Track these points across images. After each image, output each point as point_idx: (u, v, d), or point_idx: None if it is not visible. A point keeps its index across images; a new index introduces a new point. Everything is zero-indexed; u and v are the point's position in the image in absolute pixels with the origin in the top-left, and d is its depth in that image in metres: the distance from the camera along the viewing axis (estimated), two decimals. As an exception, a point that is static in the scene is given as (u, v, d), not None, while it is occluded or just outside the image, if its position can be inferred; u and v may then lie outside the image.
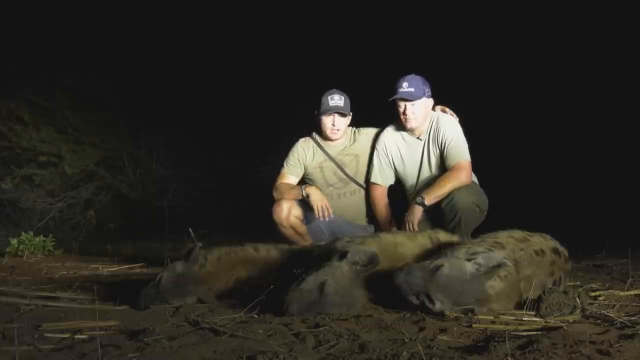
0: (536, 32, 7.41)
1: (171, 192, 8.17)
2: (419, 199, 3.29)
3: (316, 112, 3.67)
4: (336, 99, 3.61)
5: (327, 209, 3.48)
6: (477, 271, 2.06)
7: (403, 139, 3.60)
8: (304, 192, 3.52)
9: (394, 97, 3.38)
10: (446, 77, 5.37)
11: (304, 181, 3.75)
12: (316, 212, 3.46)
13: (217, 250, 2.61)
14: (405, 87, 3.36)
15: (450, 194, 3.27)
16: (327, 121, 3.63)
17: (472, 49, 7.66)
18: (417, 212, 3.30)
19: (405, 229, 3.31)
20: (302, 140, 3.82)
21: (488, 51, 7.61)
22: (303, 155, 3.76)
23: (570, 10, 7.10)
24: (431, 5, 7.82)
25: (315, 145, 3.78)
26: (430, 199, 3.29)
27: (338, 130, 3.66)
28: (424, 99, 3.43)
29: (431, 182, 3.44)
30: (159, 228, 6.42)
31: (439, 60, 6.87)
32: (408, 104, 3.38)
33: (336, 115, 3.62)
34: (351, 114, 3.69)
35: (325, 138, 3.73)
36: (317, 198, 3.48)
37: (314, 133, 3.81)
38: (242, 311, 2.15)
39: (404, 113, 3.40)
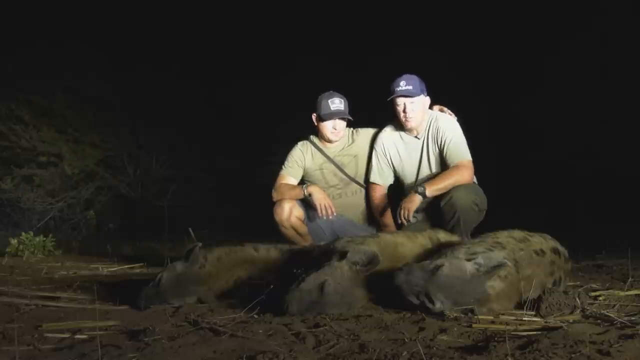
0: (536, 32, 7.41)
1: (171, 192, 8.16)
2: (420, 189, 3.27)
3: (315, 114, 3.66)
4: (337, 103, 3.60)
5: (330, 207, 3.47)
6: (477, 271, 2.06)
7: (401, 138, 3.60)
8: (306, 191, 3.52)
9: (394, 95, 3.38)
10: (446, 78, 5.38)
11: (304, 182, 3.74)
12: (319, 211, 3.45)
13: (217, 250, 2.61)
14: (403, 85, 3.37)
15: (449, 193, 3.26)
16: (328, 125, 3.63)
17: (471, 49, 7.66)
18: (416, 200, 3.27)
19: (399, 214, 3.27)
20: (300, 143, 3.81)
21: (488, 51, 7.61)
22: (302, 158, 3.75)
23: (570, 10, 7.11)
24: (430, 5, 7.82)
25: (313, 147, 3.77)
26: (431, 190, 3.27)
27: (338, 133, 3.67)
28: (422, 97, 3.43)
29: (431, 178, 3.43)
30: (159, 228, 6.41)
31: (438, 61, 6.87)
32: (407, 101, 3.38)
33: (337, 119, 3.62)
34: (350, 117, 3.68)
35: (325, 140, 3.73)
36: (319, 197, 3.47)
37: (311, 136, 3.80)
38: (242, 311, 2.15)
39: (404, 111, 3.40)
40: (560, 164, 6.99)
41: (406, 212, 3.26)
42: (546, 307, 2.05)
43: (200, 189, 8.38)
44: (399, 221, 3.30)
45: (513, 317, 2.02)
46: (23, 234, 4.95)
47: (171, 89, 7.98)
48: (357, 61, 7.93)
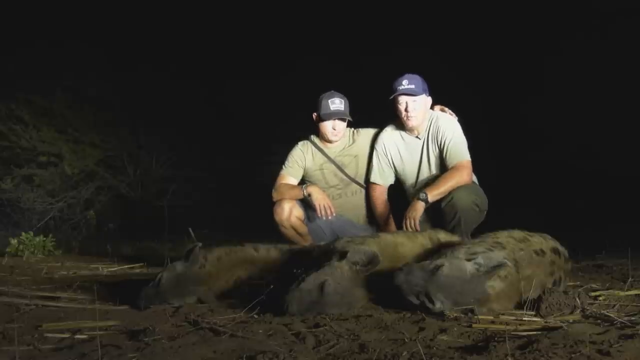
0: (536, 32, 7.41)
1: (171, 192, 8.16)
2: (421, 195, 3.28)
3: (315, 113, 3.66)
4: (337, 103, 3.60)
5: (329, 207, 3.46)
6: (477, 271, 2.06)
7: (402, 138, 3.60)
8: (305, 191, 3.51)
9: (396, 93, 3.38)
10: (446, 78, 5.38)
11: (304, 182, 3.74)
12: (318, 211, 3.45)
13: (217, 250, 2.60)
14: (405, 84, 3.37)
15: (450, 193, 3.27)
16: (328, 125, 3.63)
17: (472, 50, 7.66)
18: (419, 208, 3.27)
19: (405, 225, 3.27)
20: (300, 143, 3.81)
21: (488, 51, 7.61)
22: (302, 158, 3.75)
23: (570, 10, 7.11)
24: (430, 5, 7.82)
25: (314, 147, 3.77)
26: (432, 195, 3.27)
27: (338, 133, 3.67)
28: (424, 96, 3.43)
29: (431, 182, 3.44)
30: (159, 228, 6.41)
31: (439, 61, 6.87)
32: (410, 100, 3.37)
33: (337, 119, 3.62)
34: (350, 118, 3.67)
35: (325, 140, 3.73)
36: (319, 197, 3.47)
37: (312, 136, 3.80)
38: (242, 311, 2.15)
39: (406, 110, 3.39)
40: (560, 164, 6.99)
41: (412, 222, 3.25)
42: (546, 307, 2.05)
43: (200, 189, 8.37)
44: (408, 228, 3.27)
45: (513, 317, 2.02)
46: (23, 234, 4.95)
47: (171, 89, 7.98)
48: (357, 61, 7.92)
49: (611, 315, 1.99)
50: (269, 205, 3.62)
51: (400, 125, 3.56)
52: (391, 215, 3.64)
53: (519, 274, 2.15)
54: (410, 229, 3.23)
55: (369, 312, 2.15)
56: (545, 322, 1.96)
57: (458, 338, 1.75)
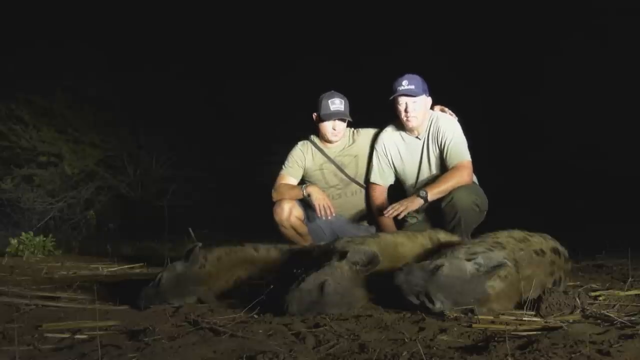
0: (537, 32, 7.42)
1: (171, 192, 8.16)
2: (422, 193, 3.26)
3: (315, 113, 3.66)
4: (337, 103, 3.59)
5: (329, 207, 3.46)
6: (477, 271, 2.06)
7: (402, 138, 3.60)
8: (304, 191, 3.51)
9: (396, 94, 3.37)
10: (446, 77, 5.38)
11: (304, 181, 3.74)
12: (318, 211, 3.44)
13: (217, 250, 2.61)
14: (405, 84, 3.36)
15: (450, 193, 3.26)
16: (328, 126, 3.63)
17: (472, 50, 7.66)
18: (416, 202, 3.26)
19: (394, 207, 3.23)
20: (300, 143, 3.81)
21: (488, 51, 7.61)
22: (302, 158, 3.75)
23: (570, 10, 7.11)
24: (431, 5, 7.82)
25: (314, 147, 3.77)
26: (432, 193, 3.26)
27: (338, 134, 3.67)
28: (424, 97, 3.43)
29: (431, 182, 3.44)
30: (159, 228, 6.41)
31: (439, 61, 6.87)
32: (409, 100, 3.37)
33: (337, 120, 3.62)
34: (350, 118, 3.67)
35: (324, 141, 3.73)
36: (318, 197, 3.47)
37: (312, 136, 3.80)
38: (242, 311, 2.15)
39: (406, 110, 3.39)
40: (561, 164, 6.99)
41: (402, 208, 3.22)
42: (546, 307, 2.05)
43: (200, 189, 8.38)
44: (389, 211, 3.24)
45: (513, 317, 2.02)
46: (23, 234, 4.95)
47: (171, 89, 7.98)
48: (357, 61, 7.92)
49: (611, 315, 1.99)
50: (269, 205, 3.62)
51: (401, 125, 3.56)
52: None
53: (519, 274, 2.15)
54: (394, 213, 3.20)
55: (369, 312, 2.15)
56: (545, 322, 1.96)
57: (458, 338, 1.75)
